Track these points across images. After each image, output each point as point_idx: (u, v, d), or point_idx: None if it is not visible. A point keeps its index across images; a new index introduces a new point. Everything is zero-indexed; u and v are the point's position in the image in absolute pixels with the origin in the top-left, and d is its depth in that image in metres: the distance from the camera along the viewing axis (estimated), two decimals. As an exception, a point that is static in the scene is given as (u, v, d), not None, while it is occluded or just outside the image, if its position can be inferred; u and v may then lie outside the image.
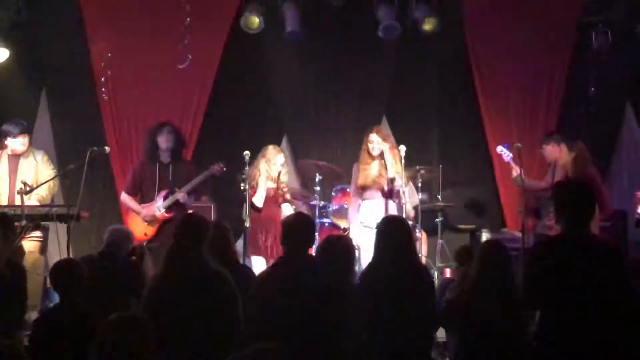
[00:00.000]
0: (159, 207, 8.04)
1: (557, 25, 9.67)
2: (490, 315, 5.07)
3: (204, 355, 4.81)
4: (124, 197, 8.39)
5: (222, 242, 5.81)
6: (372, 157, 8.15)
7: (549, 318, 4.69)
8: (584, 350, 4.51)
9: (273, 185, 8.35)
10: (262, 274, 5.46)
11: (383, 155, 8.07)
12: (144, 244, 8.02)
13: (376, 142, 8.09)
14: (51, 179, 7.97)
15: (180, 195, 8.03)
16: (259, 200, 8.21)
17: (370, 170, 8.15)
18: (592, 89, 9.51)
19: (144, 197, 8.23)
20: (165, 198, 8.05)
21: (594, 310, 4.53)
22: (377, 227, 5.73)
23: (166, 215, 8.06)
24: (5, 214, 6.23)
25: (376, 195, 8.15)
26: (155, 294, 5.03)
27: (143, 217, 8.12)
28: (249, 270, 6.17)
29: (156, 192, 8.10)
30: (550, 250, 4.76)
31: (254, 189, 8.18)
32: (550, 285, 4.61)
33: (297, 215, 5.68)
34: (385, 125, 9.81)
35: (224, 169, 8.22)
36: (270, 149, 8.45)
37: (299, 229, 5.23)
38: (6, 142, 8.05)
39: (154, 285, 5.11)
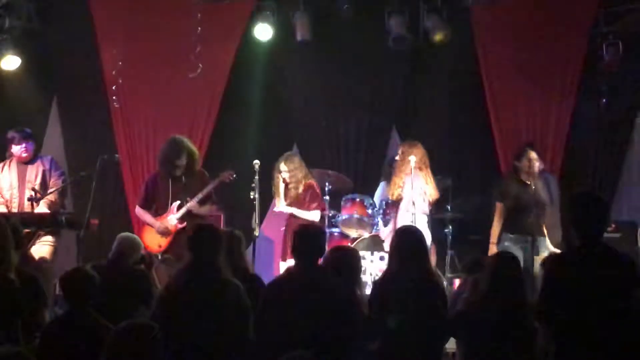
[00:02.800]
0: (172, 218, 8.04)
1: (568, 36, 9.63)
2: (500, 327, 5.04)
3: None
4: (138, 210, 8.36)
5: (235, 253, 5.83)
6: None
7: (565, 332, 4.65)
8: None
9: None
10: (272, 283, 5.48)
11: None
12: (158, 255, 8.03)
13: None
14: (62, 186, 7.99)
15: (192, 205, 8.02)
16: (278, 208, 8.62)
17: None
18: (604, 100, 9.49)
19: (158, 210, 8.21)
20: (178, 209, 8.04)
21: (610, 324, 4.51)
22: (391, 238, 5.76)
23: (179, 226, 8.05)
24: (13, 221, 6.25)
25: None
26: (166, 303, 5.03)
27: (157, 230, 8.10)
28: (259, 280, 6.17)
29: (169, 205, 8.09)
30: (567, 264, 4.74)
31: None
32: (567, 299, 4.59)
33: (308, 225, 5.70)
34: (395, 136, 9.87)
35: (234, 175, 8.22)
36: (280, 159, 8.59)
37: (309, 239, 5.25)
38: (11, 150, 8.09)
39: (166, 295, 5.12)
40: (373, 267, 8.59)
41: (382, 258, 8.49)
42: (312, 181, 8.71)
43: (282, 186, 8.59)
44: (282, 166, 8.54)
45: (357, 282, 5.79)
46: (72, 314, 4.95)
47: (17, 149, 8.06)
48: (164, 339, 4.15)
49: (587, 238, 4.71)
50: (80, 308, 4.93)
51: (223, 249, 5.23)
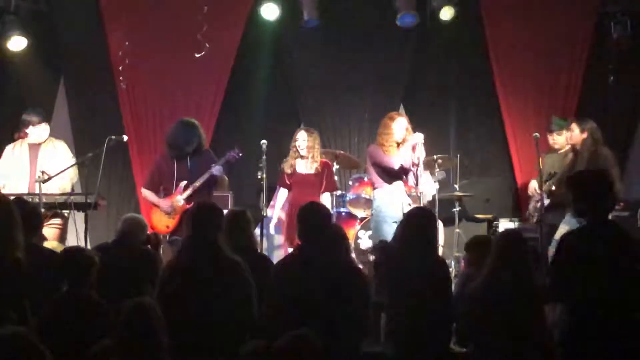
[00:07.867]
0: (179, 199, 8.02)
1: (576, 15, 9.60)
2: (506, 310, 4.99)
3: (219, 343, 4.83)
4: (144, 192, 8.33)
5: (243, 232, 5.84)
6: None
7: (575, 313, 4.63)
8: (614, 345, 4.48)
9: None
10: (281, 261, 5.51)
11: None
12: (166, 236, 8.02)
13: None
14: (69, 167, 7.99)
15: (216, 168, 7.93)
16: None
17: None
18: (611, 78, 9.44)
19: (165, 191, 8.20)
20: (184, 189, 8.02)
21: (622, 303, 4.49)
22: (403, 217, 5.74)
23: (186, 205, 8.03)
24: (24, 200, 6.27)
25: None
26: (169, 282, 5.05)
27: (163, 210, 8.08)
28: (266, 259, 6.19)
29: (174, 185, 8.05)
30: (578, 242, 4.72)
31: None
32: (579, 277, 4.57)
33: (309, 203, 5.69)
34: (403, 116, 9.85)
35: (240, 154, 8.18)
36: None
37: (310, 216, 5.27)
38: (27, 131, 8.09)
39: (168, 274, 5.14)
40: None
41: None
42: (328, 160, 8.56)
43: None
44: (302, 134, 8.40)
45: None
46: (70, 292, 4.98)
47: (35, 132, 8.07)
48: (167, 317, 4.19)
49: (594, 215, 4.70)
50: (77, 288, 4.96)
51: (223, 226, 5.26)
